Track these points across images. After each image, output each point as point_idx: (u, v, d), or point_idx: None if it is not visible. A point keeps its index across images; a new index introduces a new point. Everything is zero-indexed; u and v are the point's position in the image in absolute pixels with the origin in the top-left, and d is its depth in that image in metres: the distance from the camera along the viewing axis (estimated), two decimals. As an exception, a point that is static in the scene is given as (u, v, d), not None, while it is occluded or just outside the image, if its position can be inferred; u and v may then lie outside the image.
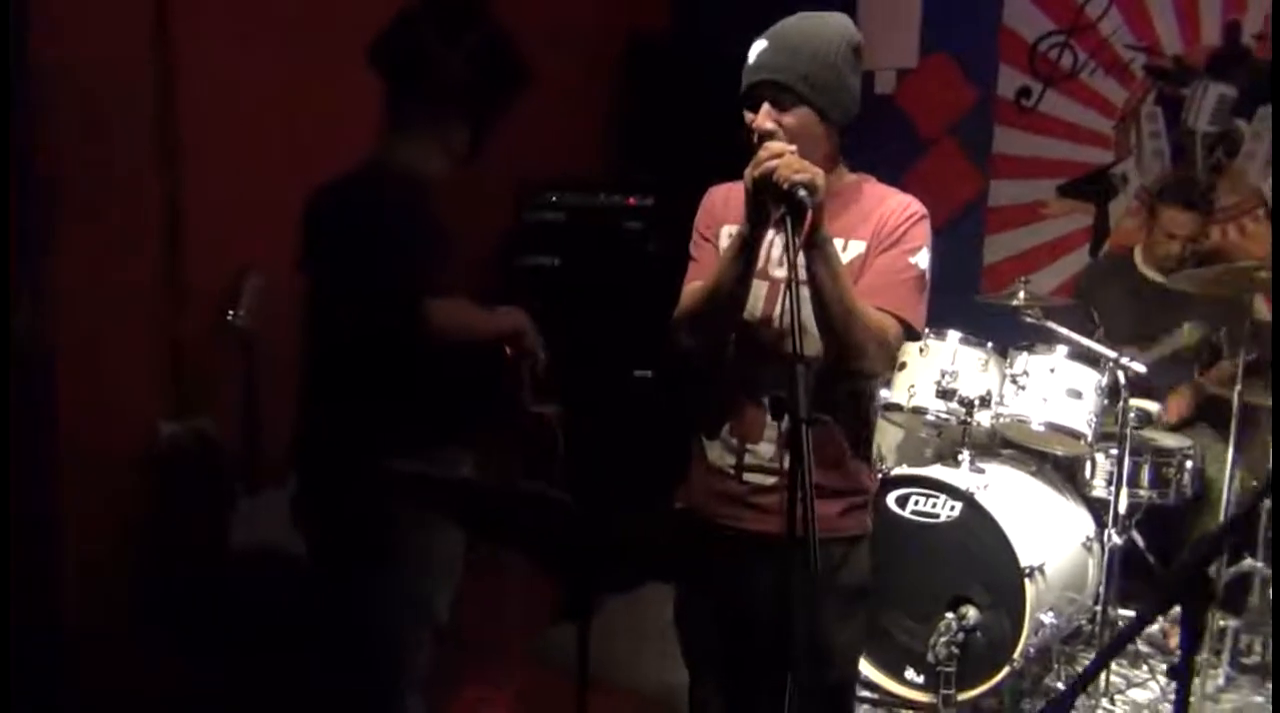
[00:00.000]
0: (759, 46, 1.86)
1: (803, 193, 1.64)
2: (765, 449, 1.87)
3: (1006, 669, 2.95)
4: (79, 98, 3.21)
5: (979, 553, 3.00)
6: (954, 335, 3.37)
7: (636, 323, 3.74)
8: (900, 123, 4.78)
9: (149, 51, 3.45)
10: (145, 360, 3.58)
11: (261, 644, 3.32)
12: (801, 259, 1.71)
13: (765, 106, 1.82)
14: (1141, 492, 3.33)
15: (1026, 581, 2.91)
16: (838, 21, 1.89)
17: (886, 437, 3.77)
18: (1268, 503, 3.00)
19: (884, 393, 3.42)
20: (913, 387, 3.34)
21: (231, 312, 3.60)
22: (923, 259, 1.88)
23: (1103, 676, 3.12)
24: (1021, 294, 3.40)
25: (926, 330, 3.38)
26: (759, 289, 1.88)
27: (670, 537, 2.00)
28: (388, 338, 2.44)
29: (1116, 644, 2.17)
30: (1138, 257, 3.78)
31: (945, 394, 3.25)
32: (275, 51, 3.67)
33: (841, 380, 1.87)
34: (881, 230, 1.87)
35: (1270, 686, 3.16)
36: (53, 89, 3.15)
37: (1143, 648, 3.36)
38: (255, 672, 3.24)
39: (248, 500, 3.52)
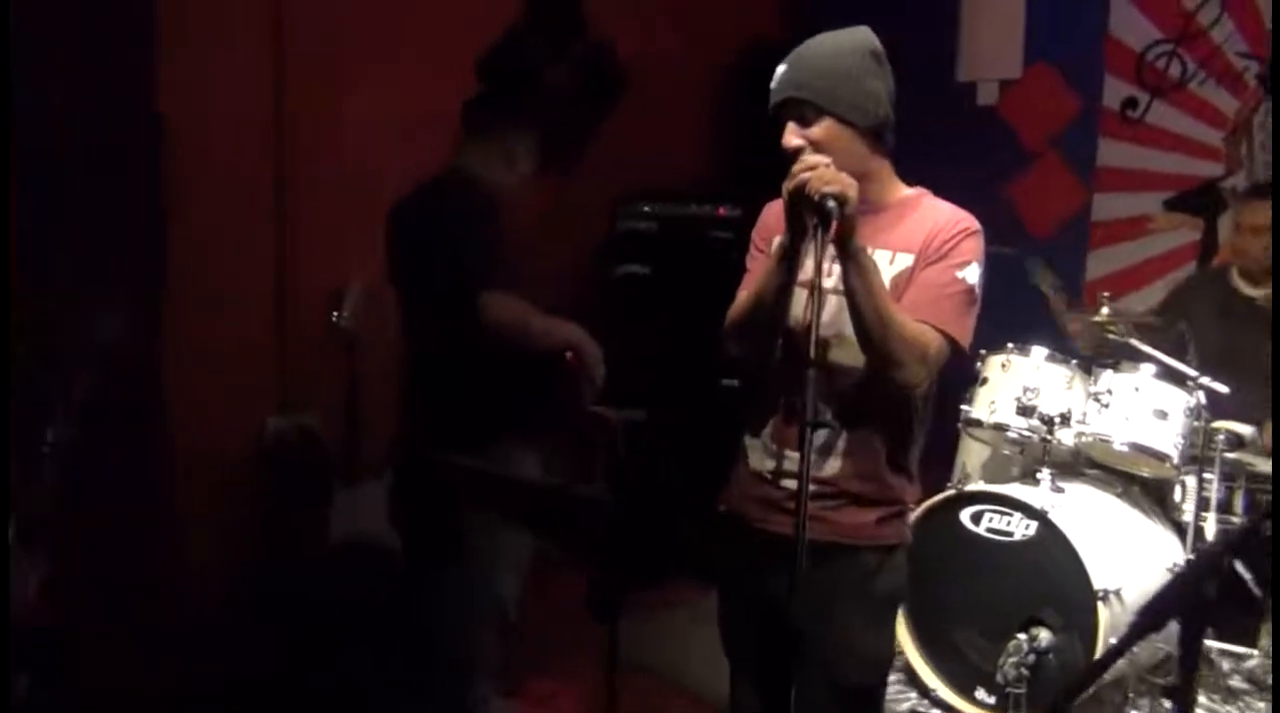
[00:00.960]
0: (780, 69, 1.91)
1: (831, 203, 1.69)
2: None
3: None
4: (201, 127, 3.47)
5: (1053, 574, 2.95)
6: (1039, 351, 3.33)
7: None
8: (1002, 135, 4.71)
9: (270, 93, 3.70)
10: (254, 360, 3.81)
11: (351, 632, 3.51)
12: (839, 269, 1.76)
13: (790, 124, 1.87)
14: (1234, 519, 3.22)
15: (1100, 604, 2.85)
16: (855, 32, 1.94)
17: (971, 454, 3.73)
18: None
19: (965, 408, 3.40)
20: (994, 403, 3.30)
21: (336, 314, 3.81)
22: (971, 274, 1.87)
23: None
24: (1105, 310, 3.33)
25: (1010, 345, 3.36)
26: (801, 298, 1.91)
27: (706, 538, 2.05)
28: (453, 336, 2.60)
29: (1108, 659, 2.09)
30: (1234, 273, 3.64)
31: (1026, 411, 3.21)
32: (378, 80, 3.87)
33: (881, 390, 1.87)
34: (930, 244, 1.88)
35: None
36: (177, 121, 3.41)
37: (1238, 684, 3.24)
38: (342, 658, 3.42)
39: (347, 494, 3.71)
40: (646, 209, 4.46)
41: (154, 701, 2.98)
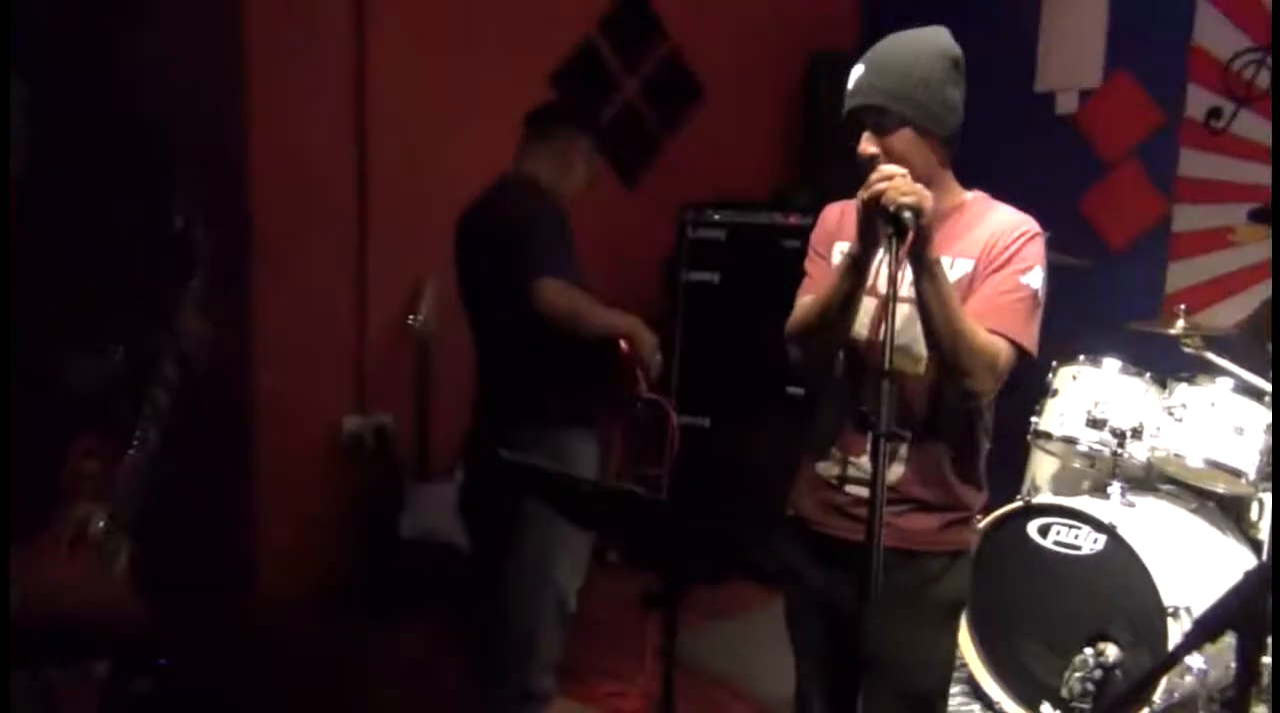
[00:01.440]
0: (856, 72, 1.89)
1: (907, 214, 1.68)
2: (866, 462, 1.89)
3: (1146, 711, 2.84)
4: (285, 134, 3.60)
5: (1121, 588, 2.90)
6: (1112, 363, 3.28)
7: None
8: (1080, 145, 4.64)
9: (353, 101, 3.86)
10: (334, 361, 3.94)
11: (421, 620, 3.60)
12: (910, 278, 1.76)
13: (867, 132, 1.85)
14: (1312, 535, 3.13)
15: (1170, 620, 2.80)
16: (934, 36, 1.90)
17: (1041, 467, 3.68)
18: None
19: (1034, 420, 3.37)
20: (1064, 415, 3.27)
21: (412, 316, 3.92)
22: (1035, 279, 1.87)
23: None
24: (1180, 323, 3.27)
25: (1082, 357, 3.32)
26: (868, 306, 1.91)
27: (770, 539, 2.07)
28: (513, 330, 2.72)
29: (1161, 667, 2.06)
30: (1317, 287, 3.55)
31: (1096, 424, 3.17)
32: (456, 87, 3.98)
33: (949, 399, 1.88)
34: (992, 249, 1.87)
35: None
36: (262, 128, 3.55)
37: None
38: (412, 644, 3.52)
39: (419, 491, 3.81)
40: (716, 217, 4.49)
41: (232, 688, 3.10)
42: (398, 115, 3.88)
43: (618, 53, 4.57)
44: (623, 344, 2.86)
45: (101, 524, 1.40)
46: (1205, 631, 1.31)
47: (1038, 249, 1.88)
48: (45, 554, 1.33)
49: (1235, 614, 1.28)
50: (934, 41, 1.89)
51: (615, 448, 3.15)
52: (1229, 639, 2.91)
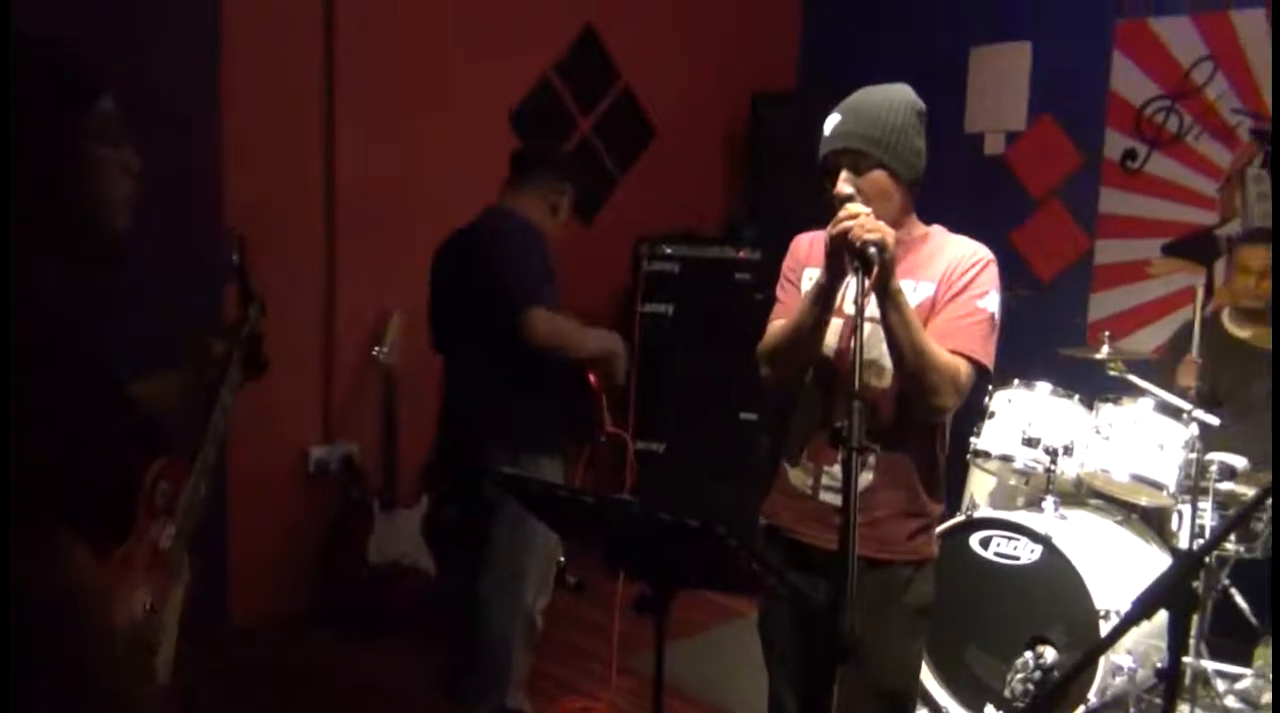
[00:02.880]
0: (834, 120, 2.07)
1: (872, 250, 1.85)
2: (838, 470, 2.00)
3: (1081, 709, 3.05)
4: (257, 168, 3.71)
5: (1057, 594, 3.11)
6: (1043, 386, 3.52)
7: (743, 369, 4.00)
8: (1008, 183, 4.95)
9: (320, 155, 3.97)
10: (301, 391, 4.03)
11: (391, 642, 3.69)
12: (875, 304, 1.93)
13: (844, 172, 2.02)
14: (1229, 545, 3.38)
15: (1102, 622, 3.02)
16: (902, 90, 2.09)
17: (979, 484, 3.92)
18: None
19: (973, 440, 3.59)
20: (1000, 435, 3.50)
21: (376, 348, 4.03)
22: (991, 302, 2.05)
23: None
24: (1106, 348, 3.53)
25: (1016, 381, 3.56)
26: (836, 325, 2.08)
27: (750, 548, 2.22)
28: (490, 358, 2.85)
29: (1103, 644, 2.27)
30: (1225, 315, 3.85)
31: (1030, 442, 3.40)
32: (417, 132, 4.12)
33: (914, 414, 2.05)
34: (951, 275, 2.05)
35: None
36: (235, 159, 3.65)
37: (1233, 704, 3.40)
38: (383, 666, 3.59)
39: (385, 516, 3.91)
40: (669, 251, 4.69)
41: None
42: (364, 154, 4.01)
43: (574, 93, 4.76)
44: (592, 377, 3.02)
45: (170, 540, 1.52)
46: (1142, 609, 1.49)
47: (992, 275, 2.06)
48: (122, 569, 1.44)
49: (1168, 595, 1.47)
50: (905, 95, 2.07)
51: (578, 475, 3.30)
52: (1156, 643, 3.16)
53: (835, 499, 2.03)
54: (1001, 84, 4.94)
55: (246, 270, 1.91)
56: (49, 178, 1.39)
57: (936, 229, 2.17)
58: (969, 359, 2.01)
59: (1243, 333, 3.74)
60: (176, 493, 1.52)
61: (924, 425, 2.10)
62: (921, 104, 2.09)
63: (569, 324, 2.83)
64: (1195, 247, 4.48)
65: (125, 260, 1.48)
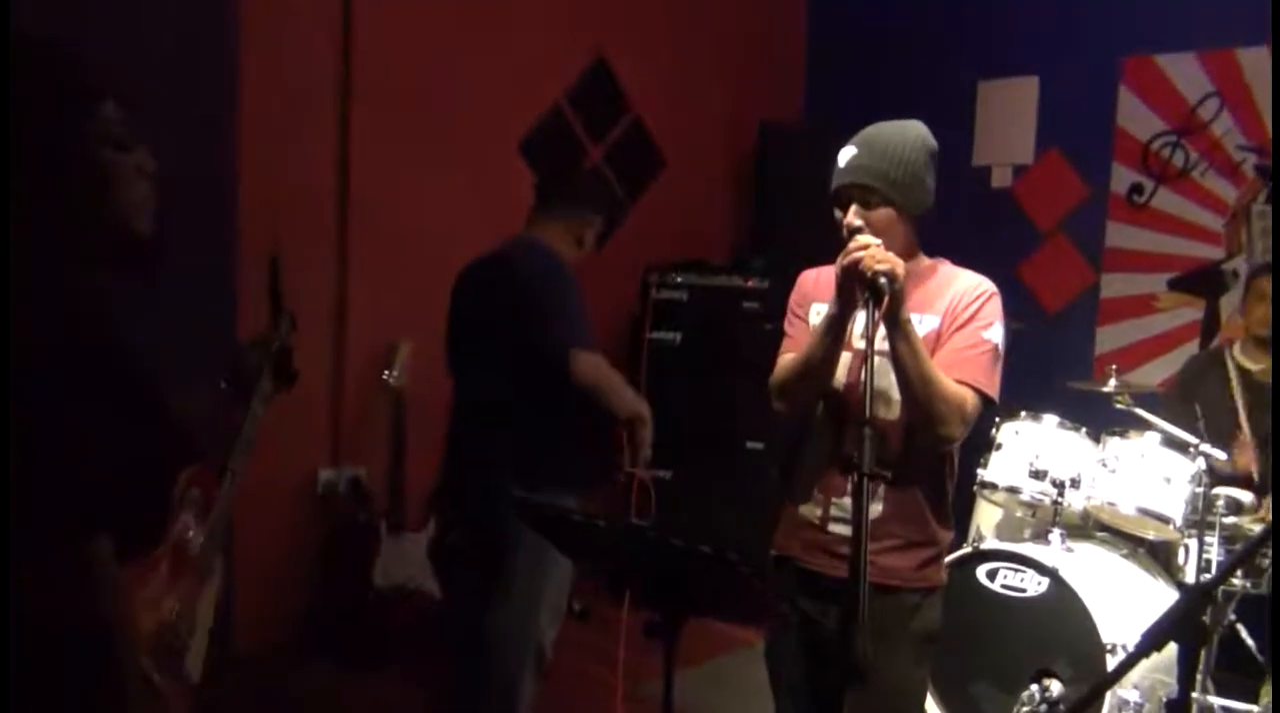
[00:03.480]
0: (848, 152, 2.10)
1: (883, 280, 1.89)
2: (848, 502, 2.04)
3: (1088, 742, 3.05)
4: (272, 190, 3.75)
5: (1064, 627, 3.11)
6: (1050, 419, 3.54)
7: (750, 397, 4.02)
8: (1015, 216, 4.98)
9: (334, 168, 4.00)
10: (311, 414, 4.05)
11: (396, 668, 3.69)
12: (884, 335, 1.96)
13: (854, 205, 2.06)
14: (1235, 581, 3.38)
15: (1109, 656, 3.01)
16: (916, 129, 2.13)
17: (985, 515, 3.92)
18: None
19: (980, 472, 3.60)
20: (1007, 466, 3.51)
21: (386, 372, 4.06)
22: (995, 334, 2.08)
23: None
24: (1113, 382, 3.55)
25: (1023, 413, 3.58)
26: (845, 359, 2.11)
27: (762, 575, 2.23)
28: (517, 393, 2.82)
29: (1110, 678, 2.27)
30: (1235, 349, 3.86)
31: (1037, 475, 3.41)
32: (431, 158, 4.17)
33: (922, 444, 2.08)
34: (956, 308, 2.09)
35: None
36: (249, 183, 3.69)
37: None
38: (388, 692, 3.59)
39: (392, 540, 3.92)
40: (678, 279, 4.72)
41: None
42: (378, 181, 4.06)
43: (585, 123, 4.81)
44: (621, 430, 3.01)
45: (200, 545, 1.57)
46: (1150, 642, 1.50)
47: (996, 307, 2.10)
48: (151, 574, 1.48)
49: (1177, 628, 1.48)
50: (918, 133, 2.11)
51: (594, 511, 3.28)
52: (1162, 677, 3.15)
53: (845, 530, 2.05)
54: (1009, 118, 4.99)
55: (279, 287, 1.97)
56: (60, 183, 1.40)
57: (941, 262, 2.21)
58: (975, 390, 2.04)
59: (1254, 366, 3.75)
60: (208, 499, 1.57)
61: (933, 456, 2.12)
62: (934, 142, 2.13)
63: (613, 374, 2.82)
64: (1201, 281, 4.51)
65: (154, 263, 1.50)
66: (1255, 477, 3.51)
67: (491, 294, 2.92)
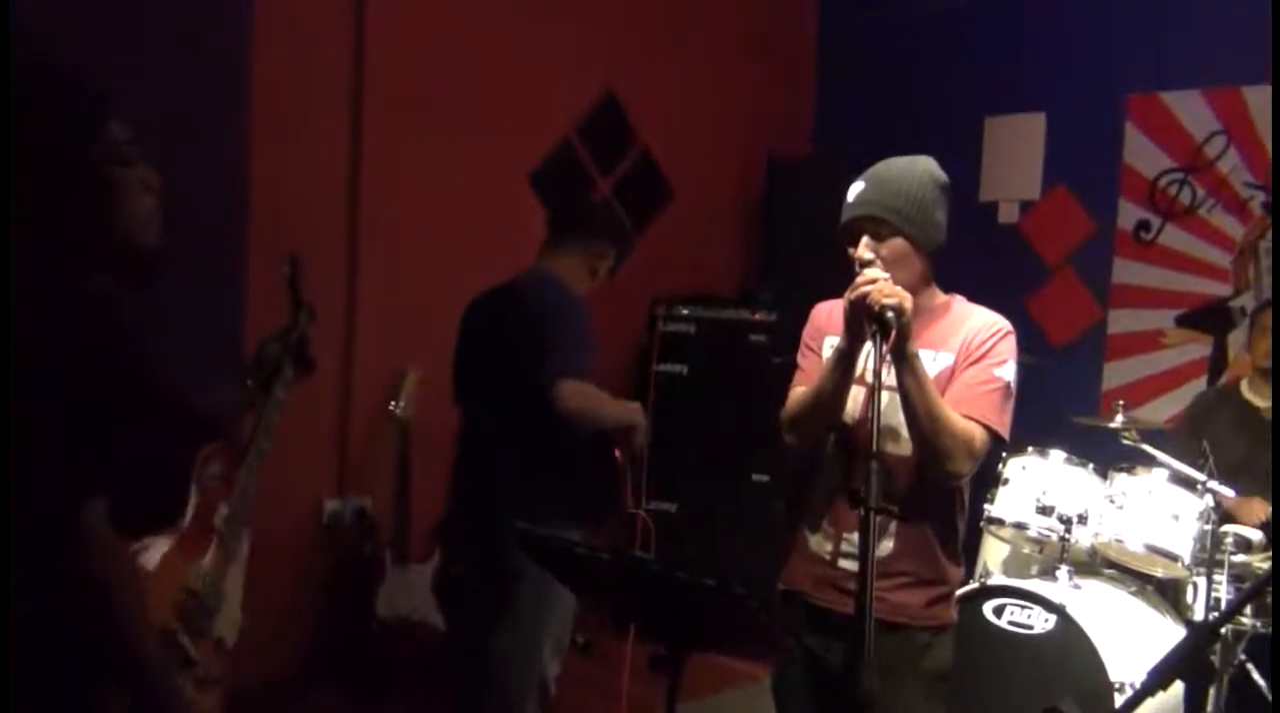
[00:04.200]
0: (858, 187, 2.12)
1: (891, 314, 1.89)
2: (858, 538, 1.97)
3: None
4: (283, 220, 3.78)
5: (1071, 665, 3.08)
6: (1057, 455, 3.53)
7: (757, 430, 4.03)
8: (1022, 251, 4.99)
9: (344, 197, 4.03)
10: (317, 444, 4.05)
11: (399, 700, 3.67)
12: (892, 369, 1.96)
13: (864, 238, 2.06)
14: (1245, 620, 3.35)
15: (1116, 695, 2.99)
16: (926, 163, 2.14)
17: (992, 551, 3.90)
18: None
19: (987, 507, 3.59)
20: (1014, 502, 3.49)
21: (393, 402, 4.06)
22: (1007, 371, 2.08)
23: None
24: (1120, 417, 3.54)
25: (1030, 448, 3.57)
26: (856, 394, 2.11)
27: (770, 611, 2.22)
28: (518, 422, 2.82)
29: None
30: (1244, 386, 3.85)
31: (1044, 510, 3.39)
32: (440, 190, 4.19)
33: (931, 480, 2.07)
34: (969, 344, 2.09)
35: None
36: (260, 211, 3.72)
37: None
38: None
39: (397, 571, 3.91)
40: (685, 312, 4.73)
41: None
42: (386, 213, 4.08)
43: (594, 155, 4.85)
44: (617, 453, 3.02)
45: (223, 520, 1.68)
46: (1157, 680, 1.49)
47: (1010, 346, 2.11)
48: (172, 546, 1.59)
49: (1184, 666, 1.48)
50: (927, 168, 2.12)
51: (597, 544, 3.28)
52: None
53: (854, 565, 2.00)
54: (1016, 154, 5.01)
55: (298, 282, 2.15)
56: (67, 199, 1.47)
57: (956, 299, 2.21)
58: (984, 425, 2.04)
59: (1263, 402, 3.73)
60: (229, 476, 1.66)
61: (943, 492, 2.12)
62: (944, 177, 2.14)
63: (598, 395, 2.82)
64: (1209, 318, 4.50)
65: (162, 272, 1.58)
66: (1266, 519, 3.49)
67: (500, 326, 2.94)
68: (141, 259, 1.53)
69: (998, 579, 3.39)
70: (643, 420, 2.98)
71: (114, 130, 1.51)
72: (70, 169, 1.46)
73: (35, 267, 1.37)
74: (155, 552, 1.61)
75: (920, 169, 2.11)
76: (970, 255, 4.61)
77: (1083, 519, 3.38)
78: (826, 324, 2.22)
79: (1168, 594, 3.55)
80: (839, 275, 2.06)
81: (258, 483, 1.78)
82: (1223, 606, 3.25)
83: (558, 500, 2.87)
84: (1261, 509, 3.49)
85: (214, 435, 1.72)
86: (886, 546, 2.06)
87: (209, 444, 1.70)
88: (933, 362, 2.07)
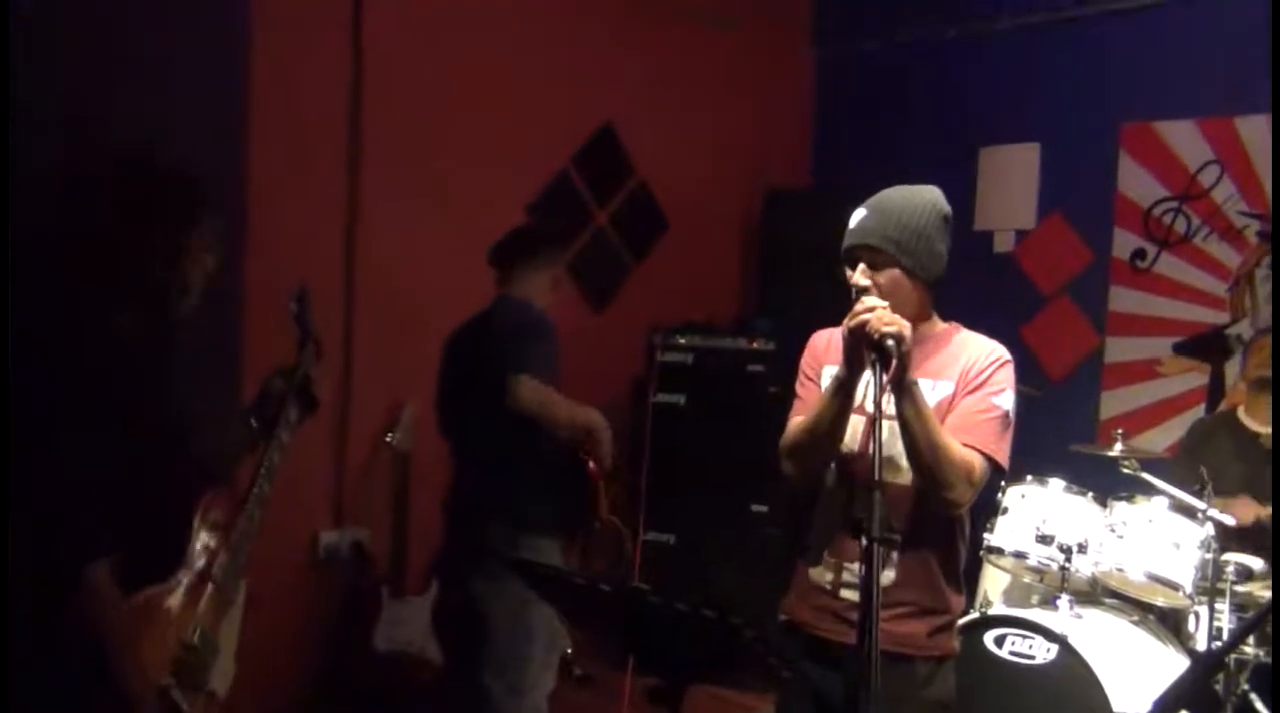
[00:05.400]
0: (859, 215, 2.13)
1: (890, 343, 1.89)
2: (859, 567, 1.96)
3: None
4: (282, 275, 3.77)
5: (1073, 695, 3.06)
6: (1057, 483, 3.52)
7: (755, 460, 4.01)
8: (1019, 280, 5.00)
9: (341, 229, 4.04)
10: (313, 475, 4.03)
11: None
12: (891, 398, 1.96)
13: (861, 266, 2.07)
14: (1247, 649, 3.32)
15: (1120, 726, 2.97)
16: (929, 194, 2.15)
17: (993, 581, 3.88)
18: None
19: (987, 536, 3.57)
20: (1014, 531, 3.48)
21: (389, 434, 4.05)
22: (1006, 400, 2.09)
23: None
24: (1119, 446, 3.53)
25: (1029, 477, 3.56)
26: (856, 423, 2.10)
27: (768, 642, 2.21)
28: (492, 443, 2.92)
29: None
30: (1241, 412, 3.85)
31: (1044, 539, 3.38)
32: (437, 222, 4.20)
33: (931, 509, 2.07)
34: (968, 373, 2.10)
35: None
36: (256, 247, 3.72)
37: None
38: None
39: (394, 604, 3.88)
40: (682, 342, 4.73)
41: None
42: (383, 247, 4.08)
43: (590, 186, 4.86)
44: (591, 465, 3.06)
45: (221, 569, 1.65)
46: (1162, 709, 1.48)
47: (1008, 374, 2.11)
48: (167, 593, 1.56)
49: (1189, 695, 1.46)
50: (930, 199, 2.13)
51: (574, 560, 3.31)
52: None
53: (856, 595, 2.03)
54: (1011, 183, 5.03)
55: (306, 316, 2.14)
56: (158, 271, 1.69)
57: (955, 328, 2.22)
58: (983, 454, 2.04)
59: (1261, 428, 3.73)
60: (229, 523, 1.65)
61: (944, 521, 2.11)
62: (947, 208, 2.15)
63: (552, 394, 2.90)
64: (1206, 346, 4.51)
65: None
66: (1260, 521, 3.47)
67: (469, 354, 3.08)
68: (183, 309, 1.62)
69: (999, 609, 3.37)
70: (603, 423, 3.05)
71: (211, 218, 1.75)
72: (172, 247, 1.72)
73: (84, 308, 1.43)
74: (153, 603, 1.59)
75: (923, 200, 2.12)
76: (966, 285, 4.59)
77: (1083, 548, 3.37)
78: (825, 353, 2.22)
79: (1169, 623, 3.53)
80: (837, 305, 2.06)
81: (259, 529, 1.77)
82: (1225, 635, 3.23)
83: (536, 514, 2.98)
84: (1251, 508, 3.49)
85: (215, 480, 1.71)
86: (888, 575, 2.05)
87: (210, 490, 1.69)
88: (932, 390, 2.08)
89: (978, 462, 2.03)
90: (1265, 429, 3.72)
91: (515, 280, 3.14)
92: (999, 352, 2.13)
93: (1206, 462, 3.75)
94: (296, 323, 2.16)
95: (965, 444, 2.02)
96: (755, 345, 4.57)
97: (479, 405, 2.98)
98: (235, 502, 1.72)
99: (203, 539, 1.64)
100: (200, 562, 1.64)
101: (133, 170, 1.67)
